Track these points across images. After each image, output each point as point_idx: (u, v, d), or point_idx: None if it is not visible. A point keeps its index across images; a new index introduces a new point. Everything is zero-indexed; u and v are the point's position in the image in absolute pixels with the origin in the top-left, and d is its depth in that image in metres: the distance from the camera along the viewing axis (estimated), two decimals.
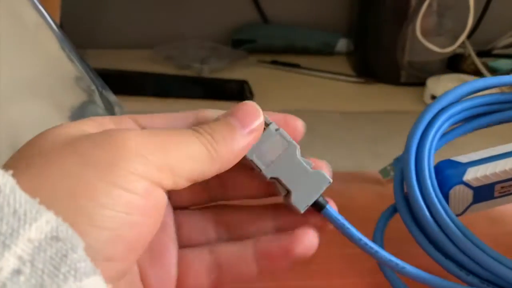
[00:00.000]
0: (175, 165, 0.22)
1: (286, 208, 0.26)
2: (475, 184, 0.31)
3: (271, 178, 0.25)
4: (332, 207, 0.26)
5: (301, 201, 0.25)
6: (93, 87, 0.40)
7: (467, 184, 0.31)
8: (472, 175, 0.31)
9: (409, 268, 0.26)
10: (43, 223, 0.16)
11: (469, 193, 0.31)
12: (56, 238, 0.16)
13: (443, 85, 0.61)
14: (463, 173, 0.31)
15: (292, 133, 0.25)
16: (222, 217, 0.26)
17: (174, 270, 0.25)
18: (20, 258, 0.15)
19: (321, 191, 0.25)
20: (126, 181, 0.20)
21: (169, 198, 0.25)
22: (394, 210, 0.33)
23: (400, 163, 0.36)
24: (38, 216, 0.16)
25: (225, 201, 0.27)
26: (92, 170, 0.19)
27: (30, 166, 0.20)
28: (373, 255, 0.26)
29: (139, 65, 0.69)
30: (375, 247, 0.25)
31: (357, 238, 0.26)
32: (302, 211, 0.25)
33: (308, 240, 0.25)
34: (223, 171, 0.23)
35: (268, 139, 0.25)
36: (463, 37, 0.63)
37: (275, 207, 0.26)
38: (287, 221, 0.26)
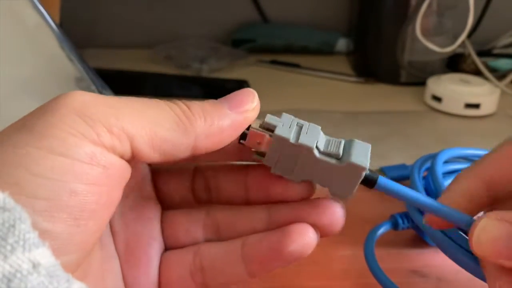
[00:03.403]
0: (132, 128, 0.19)
1: (280, 207, 0.24)
2: None
3: (317, 151, 0.22)
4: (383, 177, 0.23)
5: (360, 158, 0.22)
6: (93, 87, 0.40)
7: None
8: None
9: None
10: None
11: None
12: (2, 209, 0.15)
13: (444, 85, 0.61)
14: None
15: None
16: (212, 217, 0.25)
17: (154, 273, 0.23)
18: None
19: (369, 156, 0.22)
20: (64, 145, 0.18)
21: (158, 197, 0.25)
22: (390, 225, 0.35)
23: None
24: None
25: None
26: (27, 135, 0.18)
27: None
28: (446, 215, 0.23)
29: (139, 65, 0.69)
30: (444, 207, 0.23)
31: (423, 202, 0.23)
32: (367, 167, 0.22)
33: (302, 236, 0.22)
34: (202, 150, 0.21)
35: (285, 124, 0.22)
36: (463, 36, 0.63)
37: (269, 206, 0.24)
38: (281, 218, 0.24)
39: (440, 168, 0.34)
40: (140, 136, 0.19)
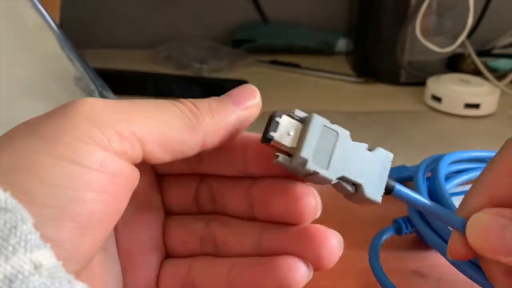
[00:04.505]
0: (143, 132, 0.19)
1: (272, 231, 0.23)
2: None
3: (337, 179, 0.21)
4: (400, 185, 0.22)
5: (375, 190, 0.21)
6: (93, 87, 0.40)
7: None
8: None
9: None
10: None
11: None
12: (4, 210, 0.15)
13: (444, 85, 0.61)
14: None
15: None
16: (211, 229, 0.24)
17: (152, 282, 0.23)
18: None
19: (388, 170, 0.22)
20: (75, 152, 0.17)
21: (162, 201, 0.25)
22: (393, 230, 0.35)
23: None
24: None
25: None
26: (37, 141, 0.17)
27: None
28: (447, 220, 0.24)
29: (139, 65, 0.69)
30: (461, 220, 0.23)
31: (441, 212, 0.23)
32: (380, 202, 0.21)
33: (289, 272, 0.21)
34: (210, 146, 0.21)
35: (314, 136, 0.21)
36: (463, 36, 0.63)
37: (263, 226, 0.23)
38: (271, 244, 0.23)
39: (443, 172, 0.34)
40: (151, 139, 0.19)
